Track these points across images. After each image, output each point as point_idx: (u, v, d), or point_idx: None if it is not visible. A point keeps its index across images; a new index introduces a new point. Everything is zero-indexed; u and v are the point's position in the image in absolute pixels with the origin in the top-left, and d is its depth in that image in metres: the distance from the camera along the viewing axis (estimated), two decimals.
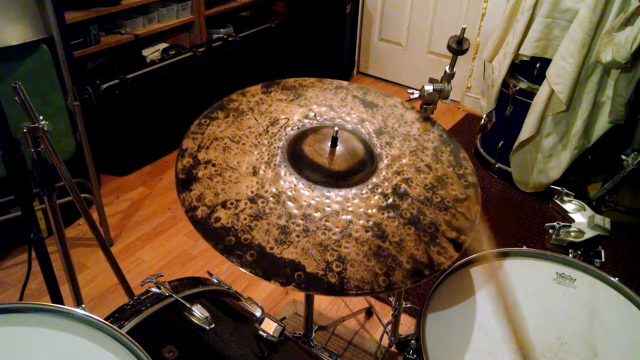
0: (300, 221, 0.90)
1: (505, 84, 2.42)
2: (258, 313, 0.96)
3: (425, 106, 1.22)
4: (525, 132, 2.29)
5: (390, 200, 0.97)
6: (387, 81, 3.61)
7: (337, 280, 0.83)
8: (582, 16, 2.03)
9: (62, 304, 1.28)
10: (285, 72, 3.20)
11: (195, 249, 2.09)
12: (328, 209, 0.93)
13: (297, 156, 1.02)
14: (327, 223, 0.90)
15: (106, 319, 0.92)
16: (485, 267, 1.14)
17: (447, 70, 1.18)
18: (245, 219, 0.89)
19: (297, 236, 0.88)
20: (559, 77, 2.11)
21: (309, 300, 1.35)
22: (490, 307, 1.07)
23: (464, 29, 1.16)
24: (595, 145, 2.26)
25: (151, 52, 2.74)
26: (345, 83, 1.27)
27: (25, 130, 1.09)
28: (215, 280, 1.15)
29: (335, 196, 0.95)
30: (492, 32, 2.54)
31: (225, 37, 2.86)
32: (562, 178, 2.31)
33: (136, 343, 0.73)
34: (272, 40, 3.09)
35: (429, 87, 1.20)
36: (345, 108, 1.18)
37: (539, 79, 2.30)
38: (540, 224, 2.29)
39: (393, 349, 1.58)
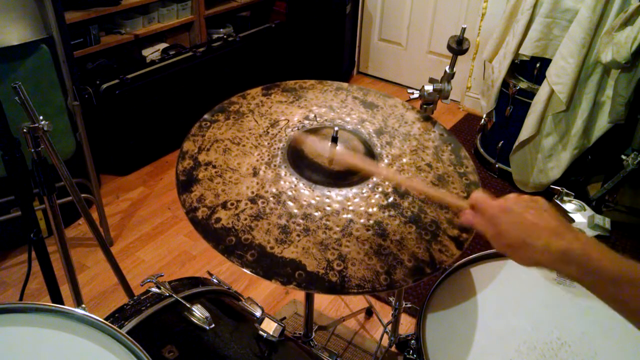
0: (301, 220, 0.90)
1: (505, 84, 2.42)
2: (258, 313, 0.96)
3: (425, 106, 1.22)
4: (525, 132, 2.29)
5: (391, 199, 0.97)
6: (387, 81, 3.61)
7: (338, 278, 0.83)
8: (582, 16, 2.03)
9: (62, 304, 1.28)
10: (285, 72, 3.19)
11: (195, 249, 2.09)
12: (328, 208, 0.93)
13: (297, 156, 1.01)
14: (328, 222, 0.90)
15: (106, 319, 0.92)
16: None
17: (447, 70, 1.19)
18: (245, 219, 0.89)
19: (298, 235, 0.88)
20: (559, 77, 2.11)
21: (309, 300, 1.35)
22: (491, 307, 1.07)
23: (464, 29, 1.16)
24: (595, 145, 2.26)
25: (151, 52, 2.73)
26: (345, 85, 1.26)
27: (25, 130, 1.09)
28: (215, 280, 1.15)
29: (335, 195, 0.95)
30: (492, 32, 2.54)
31: (225, 37, 2.86)
32: (562, 178, 2.31)
33: (136, 343, 0.73)
34: (272, 40, 3.08)
35: (429, 87, 1.20)
36: (346, 109, 1.18)
37: (539, 79, 2.30)
38: None
39: (393, 349, 1.58)
